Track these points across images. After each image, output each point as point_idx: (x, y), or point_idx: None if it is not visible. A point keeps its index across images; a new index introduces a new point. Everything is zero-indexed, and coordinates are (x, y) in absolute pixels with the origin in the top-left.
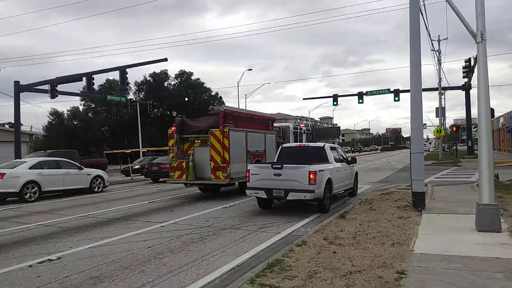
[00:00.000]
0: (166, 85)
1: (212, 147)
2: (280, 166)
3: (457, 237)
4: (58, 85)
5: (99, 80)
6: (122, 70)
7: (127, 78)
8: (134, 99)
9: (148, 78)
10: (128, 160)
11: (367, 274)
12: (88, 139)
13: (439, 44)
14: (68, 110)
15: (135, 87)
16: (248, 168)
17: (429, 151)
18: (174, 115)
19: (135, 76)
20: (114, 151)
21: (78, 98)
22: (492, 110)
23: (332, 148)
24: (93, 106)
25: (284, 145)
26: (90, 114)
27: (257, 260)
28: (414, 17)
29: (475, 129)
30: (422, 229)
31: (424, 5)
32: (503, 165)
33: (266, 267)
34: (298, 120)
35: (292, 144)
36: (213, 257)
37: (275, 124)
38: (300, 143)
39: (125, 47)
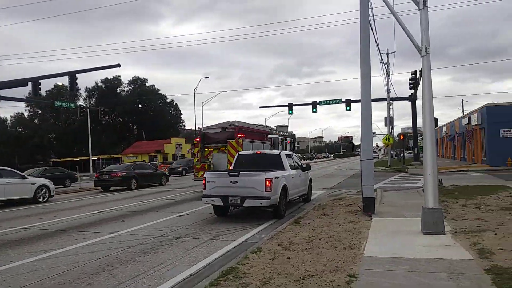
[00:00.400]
0: (119, 91)
1: (229, 153)
2: (236, 173)
3: (405, 240)
4: (1, 90)
5: (47, 85)
6: (72, 75)
7: (77, 84)
8: (84, 106)
9: (100, 84)
10: (76, 168)
11: (319, 278)
12: (34, 146)
13: (387, 57)
14: (11, 116)
15: (86, 93)
16: (204, 176)
17: (378, 158)
18: (198, 129)
19: (85, 82)
20: (62, 159)
21: (23, 104)
22: (436, 120)
23: (287, 156)
24: (40, 112)
25: (240, 153)
26: (36, 120)
27: (211, 269)
28: (364, 31)
29: (421, 137)
30: (372, 233)
31: (373, 20)
32: (447, 171)
33: (220, 276)
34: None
35: (248, 151)
36: (165, 267)
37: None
38: (256, 151)
39: (75, 52)
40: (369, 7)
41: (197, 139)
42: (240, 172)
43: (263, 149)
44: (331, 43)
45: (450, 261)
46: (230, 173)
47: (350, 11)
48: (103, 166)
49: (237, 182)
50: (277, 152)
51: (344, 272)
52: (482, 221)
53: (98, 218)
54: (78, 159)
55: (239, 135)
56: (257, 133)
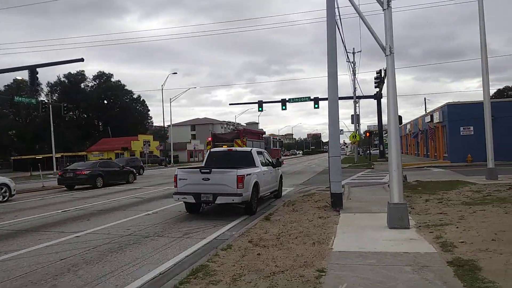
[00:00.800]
0: (83, 86)
1: None
2: (208, 170)
3: (372, 235)
4: None
5: (5, 79)
6: (32, 69)
7: (37, 79)
8: (46, 101)
9: (63, 79)
10: (39, 166)
11: (289, 273)
12: None
13: (354, 56)
14: None
15: (48, 88)
16: (175, 174)
17: (346, 154)
18: (211, 130)
19: (47, 76)
20: (23, 156)
21: None
22: (400, 118)
23: (258, 153)
24: None
25: (212, 150)
26: None
27: (181, 267)
28: (331, 30)
29: (386, 134)
30: (340, 228)
31: (340, 19)
32: (411, 167)
33: (190, 274)
34: (225, 126)
35: (219, 148)
36: (134, 266)
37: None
38: (229, 148)
39: (36, 45)
40: (336, 6)
41: (210, 139)
42: (212, 170)
43: (260, 146)
44: (299, 41)
45: (414, 254)
46: (202, 171)
47: (317, 10)
48: (67, 164)
49: (209, 179)
50: (248, 149)
51: (313, 267)
52: (445, 215)
53: (63, 217)
54: (40, 156)
55: (243, 136)
56: (255, 133)
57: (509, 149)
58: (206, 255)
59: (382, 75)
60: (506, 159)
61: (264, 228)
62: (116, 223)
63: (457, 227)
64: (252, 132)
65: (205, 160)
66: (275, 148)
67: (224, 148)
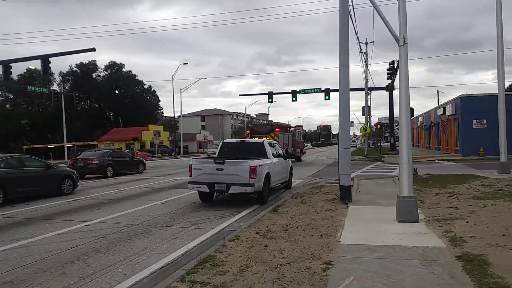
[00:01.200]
0: (94, 76)
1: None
2: (222, 161)
3: (380, 228)
4: None
5: (18, 69)
6: (45, 59)
7: (50, 68)
8: (58, 91)
9: (75, 69)
10: (51, 155)
11: (296, 265)
12: (6, 132)
13: (366, 46)
14: None
15: (60, 77)
16: (190, 164)
17: (356, 147)
18: (250, 125)
19: (60, 66)
20: (35, 146)
21: None
22: (412, 110)
23: (270, 144)
24: (11, 97)
25: (225, 141)
26: (8, 105)
27: (188, 257)
28: (343, 20)
29: (397, 127)
30: (348, 220)
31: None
32: (422, 160)
33: (198, 264)
34: (235, 116)
35: (232, 140)
36: (142, 256)
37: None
38: (241, 139)
39: (49, 35)
40: None
41: (248, 132)
42: (226, 160)
43: (288, 138)
44: (311, 32)
45: (423, 248)
46: (216, 161)
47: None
48: (78, 153)
49: (222, 169)
50: (260, 141)
51: (321, 260)
52: (455, 209)
53: (73, 206)
54: (52, 145)
55: (276, 129)
56: (285, 127)
57: None
58: (213, 245)
59: (395, 66)
60: None
61: (272, 219)
62: (125, 212)
63: (467, 222)
64: (282, 126)
65: (218, 151)
66: (299, 140)
67: (237, 139)
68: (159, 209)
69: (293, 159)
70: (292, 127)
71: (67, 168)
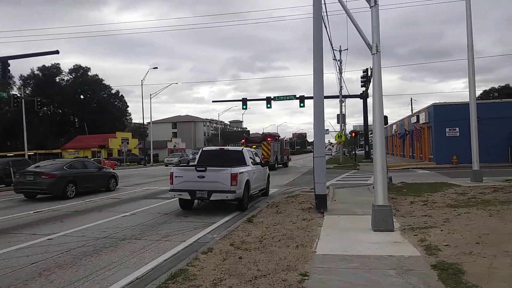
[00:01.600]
0: (58, 80)
1: (263, 149)
2: (204, 168)
3: (356, 237)
4: None
5: None
6: (4, 61)
7: (9, 71)
8: (18, 95)
9: (37, 72)
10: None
11: (272, 278)
12: None
13: (340, 54)
14: None
15: (21, 81)
16: (171, 171)
17: (331, 155)
18: (245, 134)
19: (20, 69)
20: None
21: None
22: (386, 118)
23: (249, 152)
24: None
25: (204, 149)
26: None
27: (159, 271)
28: (317, 26)
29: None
30: (324, 230)
31: (327, 16)
32: (396, 168)
33: (169, 278)
34: (208, 123)
35: (211, 147)
36: (109, 270)
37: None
38: (220, 147)
39: (9, 36)
40: (323, 2)
41: (243, 140)
42: (207, 168)
43: (277, 147)
44: (285, 38)
45: (398, 257)
46: (198, 168)
47: (304, 6)
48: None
49: (204, 177)
50: (239, 148)
51: (296, 271)
52: (429, 218)
53: (35, 218)
54: (12, 154)
55: (268, 139)
56: (274, 137)
57: (494, 151)
58: (185, 258)
59: (369, 74)
60: (492, 161)
61: (247, 230)
62: (91, 225)
63: (442, 230)
64: (273, 136)
65: (197, 159)
66: (286, 148)
67: (216, 147)
68: (128, 221)
69: (281, 165)
70: (280, 136)
71: (113, 170)
